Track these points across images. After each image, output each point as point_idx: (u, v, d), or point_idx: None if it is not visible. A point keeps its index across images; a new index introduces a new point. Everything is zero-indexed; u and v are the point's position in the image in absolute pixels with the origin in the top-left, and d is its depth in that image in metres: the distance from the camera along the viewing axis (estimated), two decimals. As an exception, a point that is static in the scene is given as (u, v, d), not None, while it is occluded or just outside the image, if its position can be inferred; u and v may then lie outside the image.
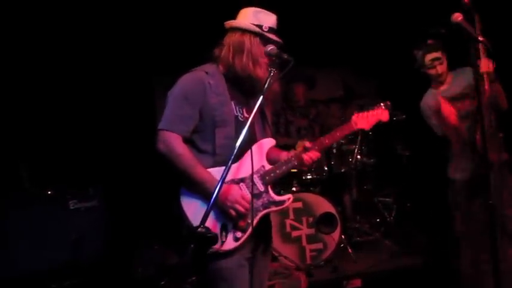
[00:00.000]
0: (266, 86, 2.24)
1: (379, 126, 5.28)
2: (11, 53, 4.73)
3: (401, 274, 4.40)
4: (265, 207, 2.42)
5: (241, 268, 2.34)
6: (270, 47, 2.39)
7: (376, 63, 6.57)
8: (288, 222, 4.60)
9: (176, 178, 2.34)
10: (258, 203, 2.40)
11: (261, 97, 2.19)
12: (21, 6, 4.63)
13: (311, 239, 4.61)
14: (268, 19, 2.49)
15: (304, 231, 4.62)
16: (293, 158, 2.50)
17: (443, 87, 3.85)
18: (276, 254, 4.42)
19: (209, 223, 2.21)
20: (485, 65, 3.09)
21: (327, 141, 2.57)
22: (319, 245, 4.61)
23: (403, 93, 5.98)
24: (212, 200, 1.93)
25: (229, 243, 2.30)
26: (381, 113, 2.65)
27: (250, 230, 2.33)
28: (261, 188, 2.42)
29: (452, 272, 3.97)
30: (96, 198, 4.36)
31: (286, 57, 2.35)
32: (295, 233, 4.61)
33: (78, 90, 5.10)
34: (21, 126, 4.76)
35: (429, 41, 3.80)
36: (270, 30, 2.47)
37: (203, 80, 2.41)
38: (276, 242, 4.48)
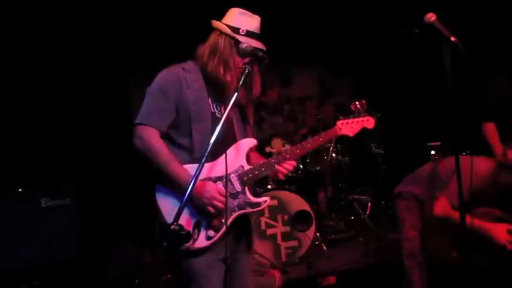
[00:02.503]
0: (240, 83, 2.23)
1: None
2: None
3: (376, 271, 4.45)
4: (240, 208, 2.39)
5: (210, 268, 2.30)
6: (245, 45, 2.36)
7: (353, 61, 6.62)
8: (263, 220, 4.61)
9: (152, 174, 2.31)
10: (234, 203, 2.37)
11: (235, 94, 2.17)
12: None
13: (286, 237, 4.62)
14: (249, 22, 2.46)
15: (280, 229, 4.63)
16: (273, 160, 2.47)
17: None
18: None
19: (183, 220, 2.17)
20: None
21: (309, 145, 2.52)
22: (294, 243, 4.63)
23: (378, 91, 6.08)
24: (186, 196, 1.91)
25: (201, 242, 2.27)
26: (366, 120, 2.65)
27: (223, 229, 2.30)
28: (238, 188, 2.39)
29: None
30: (69, 196, 4.28)
31: (261, 54, 2.34)
32: (270, 231, 4.62)
33: (51, 87, 5.01)
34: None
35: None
36: (248, 33, 2.44)
37: (179, 76, 2.40)
38: (251, 240, 4.49)
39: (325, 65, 6.94)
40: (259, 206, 2.42)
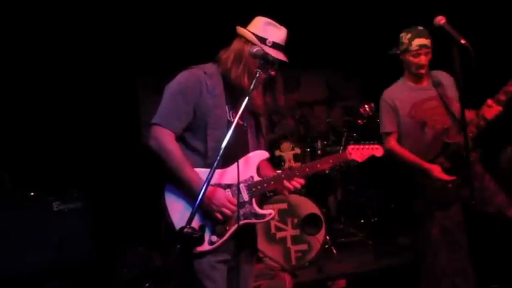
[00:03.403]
0: (251, 87, 2.23)
1: (360, 126, 5.36)
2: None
3: (386, 274, 4.44)
4: (245, 218, 2.40)
5: (213, 269, 2.32)
6: (256, 48, 2.35)
7: (361, 64, 6.60)
8: (273, 223, 4.61)
9: (163, 174, 2.34)
10: (240, 212, 2.38)
11: (246, 99, 2.18)
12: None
13: (296, 240, 4.63)
14: (275, 33, 2.46)
15: (289, 232, 4.64)
16: (283, 176, 2.48)
17: (420, 84, 3.51)
18: (261, 255, 4.43)
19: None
20: None
21: (319, 165, 2.56)
22: (304, 246, 4.63)
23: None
24: (198, 200, 1.93)
25: (204, 246, 2.28)
26: (376, 149, 2.71)
27: (226, 235, 2.33)
28: (246, 197, 2.41)
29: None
30: (79, 200, 4.29)
31: (271, 59, 2.33)
32: (280, 234, 4.62)
33: (61, 92, 5.04)
34: (1, 127, 4.70)
35: (419, 27, 3.42)
36: (274, 45, 2.43)
37: (201, 79, 2.40)
38: (261, 243, 4.49)
39: (333, 69, 6.94)
40: (263, 218, 2.46)
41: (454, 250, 3.39)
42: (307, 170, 2.53)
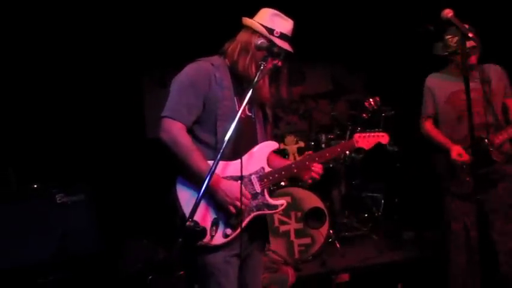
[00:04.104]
0: (256, 79, 2.22)
1: (367, 120, 5.33)
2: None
3: (389, 269, 4.43)
4: (258, 209, 2.41)
5: (227, 264, 2.32)
6: (261, 40, 2.35)
7: (366, 58, 6.56)
8: (276, 216, 4.60)
9: (174, 167, 2.33)
10: (253, 203, 2.39)
11: (250, 91, 2.17)
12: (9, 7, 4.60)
13: (299, 234, 4.62)
14: (282, 24, 2.44)
15: (293, 225, 4.63)
16: (293, 165, 2.49)
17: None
18: (265, 249, 4.41)
19: (202, 215, 2.26)
20: None
21: (327, 154, 2.56)
22: (308, 240, 4.63)
23: (392, 88, 6.02)
24: (201, 191, 1.92)
25: (218, 239, 2.29)
26: (382, 136, 2.72)
27: (239, 229, 2.32)
28: (258, 189, 2.41)
29: (439, 267, 4.01)
30: (83, 193, 4.29)
31: (276, 50, 2.33)
32: (283, 228, 4.61)
33: (66, 87, 5.03)
34: (6, 122, 4.70)
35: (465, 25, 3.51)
36: (282, 36, 2.42)
37: (209, 72, 2.38)
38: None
39: (338, 62, 6.89)
40: (276, 209, 2.47)
41: (471, 249, 3.51)
42: (317, 159, 2.52)
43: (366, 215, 5.64)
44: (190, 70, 2.40)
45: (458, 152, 3.43)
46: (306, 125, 6.12)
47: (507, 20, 4.85)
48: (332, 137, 5.26)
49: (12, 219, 4.01)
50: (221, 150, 2.04)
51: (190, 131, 2.37)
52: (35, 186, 4.22)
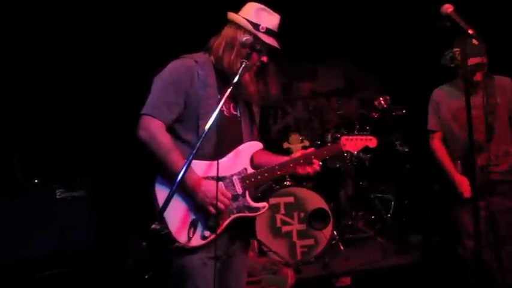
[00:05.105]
0: (237, 78, 2.15)
1: (375, 120, 5.20)
2: (2, 49, 4.69)
3: (393, 273, 4.31)
4: (239, 211, 2.34)
5: (205, 266, 2.26)
6: (245, 37, 2.28)
7: (378, 56, 6.45)
8: (279, 216, 4.52)
9: (153, 165, 2.27)
10: (233, 205, 2.32)
11: (230, 88, 2.11)
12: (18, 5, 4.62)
13: (302, 235, 4.53)
14: (269, 19, 2.38)
15: (295, 226, 4.55)
16: (277, 167, 2.41)
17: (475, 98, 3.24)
18: (265, 249, 4.34)
19: (181, 217, 2.22)
20: None
21: (313, 157, 2.47)
22: (311, 241, 4.54)
23: (403, 87, 5.87)
24: (174, 187, 1.91)
25: (196, 240, 2.23)
26: (370, 139, 2.65)
27: (218, 231, 2.25)
28: (239, 190, 2.35)
29: (445, 271, 3.89)
30: (83, 188, 4.29)
31: (258, 47, 2.25)
32: (285, 228, 4.53)
33: (68, 83, 5.03)
34: (10, 118, 4.73)
35: (474, 41, 3.25)
36: (268, 31, 2.36)
37: (192, 69, 2.33)
38: (266, 237, 4.43)
39: (351, 60, 6.77)
40: (257, 211, 2.40)
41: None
42: (302, 161, 2.43)
43: (373, 217, 5.50)
44: (172, 67, 2.35)
45: (462, 186, 3.35)
46: (316, 123, 6.03)
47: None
48: (338, 136, 5.13)
49: (12, 214, 4.03)
50: (196, 147, 1.99)
51: (172, 130, 2.32)
52: (36, 181, 4.23)
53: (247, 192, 2.37)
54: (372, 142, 2.64)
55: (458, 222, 3.47)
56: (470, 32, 2.46)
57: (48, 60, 4.96)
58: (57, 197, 4.19)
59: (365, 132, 2.73)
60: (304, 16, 5.76)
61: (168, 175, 2.23)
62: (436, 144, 3.62)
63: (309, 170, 2.43)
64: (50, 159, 4.67)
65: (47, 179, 4.26)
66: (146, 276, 4.13)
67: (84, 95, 5.04)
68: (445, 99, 3.56)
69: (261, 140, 2.55)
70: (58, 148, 4.81)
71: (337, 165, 5.11)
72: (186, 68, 2.33)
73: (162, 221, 2.09)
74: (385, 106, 5.15)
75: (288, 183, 4.63)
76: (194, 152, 1.99)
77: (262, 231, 4.45)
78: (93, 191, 4.36)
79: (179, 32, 5.06)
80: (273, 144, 5.09)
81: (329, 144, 5.07)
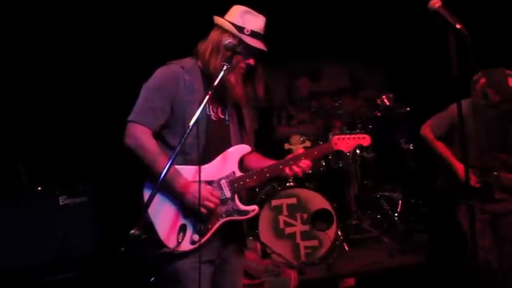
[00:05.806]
0: (217, 80, 2.14)
1: (380, 117, 5.15)
2: (6, 54, 4.74)
3: (398, 273, 4.27)
4: (228, 215, 2.33)
5: (196, 271, 2.23)
6: (228, 40, 2.28)
7: (383, 54, 6.39)
8: (282, 218, 4.50)
9: (142, 172, 2.29)
10: (222, 209, 2.31)
11: (209, 93, 2.11)
12: (18, 7, 4.66)
13: (305, 236, 4.50)
14: (253, 22, 2.38)
15: (299, 227, 4.52)
16: (266, 170, 2.39)
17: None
18: (269, 251, 4.33)
19: (170, 221, 2.23)
20: None
21: (303, 158, 2.44)
22: (314, 242, 4.51)
23: (408, 84, 5.81)
24: (157, 186, 1.94)
25: (185, 245, 2.22)
26: (362, 138, 2.61)
27: (208, 234, 2.25)
28: (228, 194, 2.33)
29: (449, 272, 3.84)
30: (85, 194, 4.32)
31: (239, 50, 2.25)
32: (288, 230, 4.51)
33: (70, 87, 5.06)
34: (14, 124, 4.79)
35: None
36: (253, 34, 2.35)
37: (177, 75, 2.33)
38: (269, 239, 4.41)
39: (356, 58, 6.73)
40: (247, 214, 2.38)
41: None
42: (291, 162, 2.41)
43: (379, 217, 5.43)
44: (158, 74, 2.36)
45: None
46: (320, 124, 5.98)
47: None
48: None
49: (15, 220, 4.08)
50: (177, 149, 2.00)
51: (159, 136, 2.32)
52: (39, 188, 4.27)
53: (236, 196, 2.35)
54: (365, 140, 2.60)
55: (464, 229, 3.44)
56: (458, 26, 2.42)
57: (53, 69, 5.00)
58: (60, 203, 4.23)
59: (358, 131, 2.65)
60: (308, 15, 5.76)
61: (155, 181, 2.21)
62: (425, 130, 3.65)
63: (296, 170, 2.40)
64: (52, 166, 4.70)
65: (49, 185, 4.30)
66: (152, 280, 4.16)
67: (87, 103, 5.06)
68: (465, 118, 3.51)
69: (253, 143, 2.54)
70: (61, 155, 4.85)
71: (340, 165, 5.06)
72: (172, 74, 2.34)
73: (148, 226, 2.09)
74: (387, 104, 5.10)
75: (289, 184, 4.61)
76: (177, 150, 2.00)
77: (265, 233, 4.43)
78: (96, 197, 4.38)
79: (179, 33, 5.06)
80: (279, 145, 5.05)
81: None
